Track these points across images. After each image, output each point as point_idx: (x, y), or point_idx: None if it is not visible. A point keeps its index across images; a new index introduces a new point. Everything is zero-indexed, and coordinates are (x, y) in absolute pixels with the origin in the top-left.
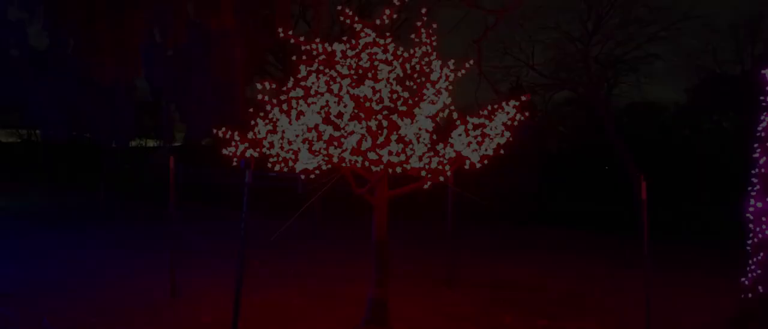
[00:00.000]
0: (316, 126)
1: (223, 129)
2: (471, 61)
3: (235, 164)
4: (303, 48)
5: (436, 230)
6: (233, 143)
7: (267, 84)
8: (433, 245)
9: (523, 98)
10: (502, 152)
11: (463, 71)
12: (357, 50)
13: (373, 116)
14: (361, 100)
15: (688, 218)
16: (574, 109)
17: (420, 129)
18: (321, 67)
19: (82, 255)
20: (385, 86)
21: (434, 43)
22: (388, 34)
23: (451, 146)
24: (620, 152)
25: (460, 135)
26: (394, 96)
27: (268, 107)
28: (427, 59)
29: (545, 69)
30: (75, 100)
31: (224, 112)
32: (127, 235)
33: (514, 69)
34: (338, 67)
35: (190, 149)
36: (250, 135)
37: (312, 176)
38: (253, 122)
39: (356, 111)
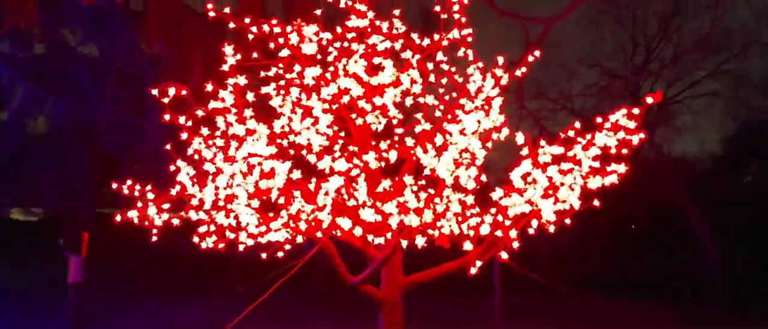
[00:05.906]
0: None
1: (129, 183)
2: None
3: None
4: (250, 35)
5: (467, 307)
6: (139, 205)
7: (172, 90)
8: None
9: (650, 101)
10: (597, 202)
11: (522, 72)
12: (345, 42)
13: (370, 143)
14: (344, 109)
15: None
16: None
17: (458, 162)
18: (281, 71)
19: None
20: (391, 92)
21: (470, 33)
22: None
23: (520, 193)
24: (688, 210)
25: (526, 174)
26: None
27: (184, 136)
28: (462, 50)
29: (588, 111)
30: (17, 163)
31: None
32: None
33: (550, 112)
34: (304, 47)
35: None
36: (175, 190)
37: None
38: (172, 167)
39: (340, 140)
